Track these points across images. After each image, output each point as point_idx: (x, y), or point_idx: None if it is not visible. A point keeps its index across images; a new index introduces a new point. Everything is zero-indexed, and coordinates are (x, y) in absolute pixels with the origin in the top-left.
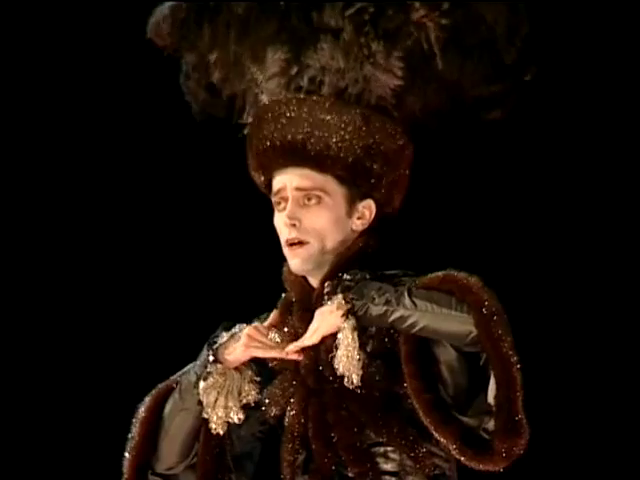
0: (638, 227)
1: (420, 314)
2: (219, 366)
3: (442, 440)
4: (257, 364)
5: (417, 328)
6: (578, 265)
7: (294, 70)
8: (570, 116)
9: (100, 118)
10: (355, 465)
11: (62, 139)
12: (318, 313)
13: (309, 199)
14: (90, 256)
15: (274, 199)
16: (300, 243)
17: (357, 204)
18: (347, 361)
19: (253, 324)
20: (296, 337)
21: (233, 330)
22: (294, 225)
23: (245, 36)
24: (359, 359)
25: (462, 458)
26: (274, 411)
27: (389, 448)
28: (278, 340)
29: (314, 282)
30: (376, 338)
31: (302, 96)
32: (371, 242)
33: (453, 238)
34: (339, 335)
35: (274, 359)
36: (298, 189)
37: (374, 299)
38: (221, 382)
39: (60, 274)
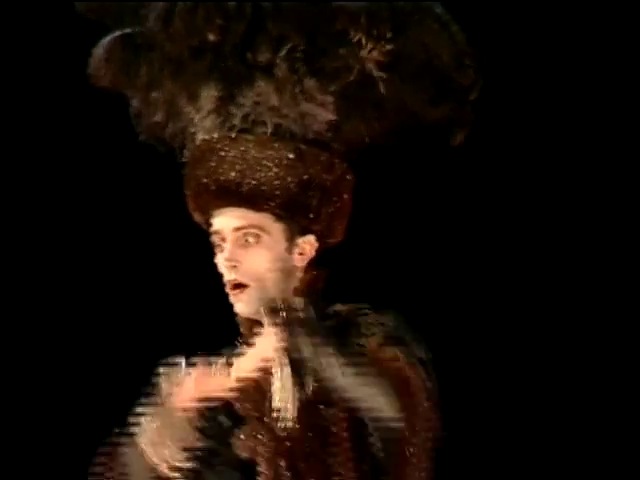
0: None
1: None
2: None
3: None
4: (224, 411)
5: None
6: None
7: (228, 108)
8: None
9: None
10: None
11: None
12: None
13: (247, 239)
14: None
15: (213, 240)
16: (240, 286)
17: (297, 239)
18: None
19: None
20: None
21: None
22: (234, 267)
23: (179, 74)
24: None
25: None
26: (244, 456)
27: None
28: None
29: None
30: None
31: (234, 135)
32: (315, 277)
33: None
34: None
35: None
36: (236, 229)
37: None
38: None
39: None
